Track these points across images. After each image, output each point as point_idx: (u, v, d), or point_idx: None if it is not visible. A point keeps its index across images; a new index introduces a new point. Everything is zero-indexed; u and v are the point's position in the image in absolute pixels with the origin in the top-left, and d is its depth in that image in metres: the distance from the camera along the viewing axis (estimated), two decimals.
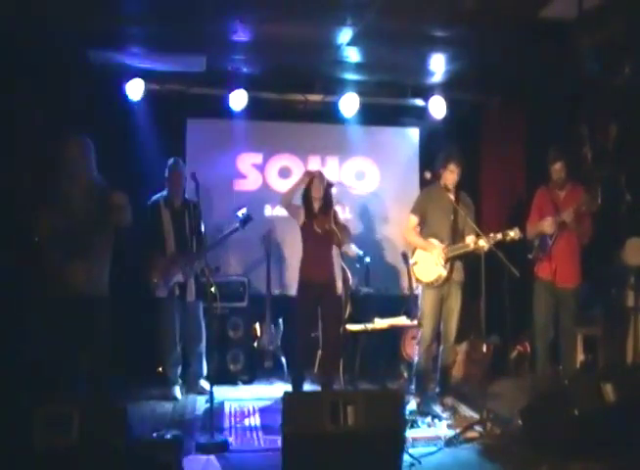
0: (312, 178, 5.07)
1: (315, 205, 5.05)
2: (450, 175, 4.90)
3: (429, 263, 4.91)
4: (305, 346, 5.16)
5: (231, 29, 4.87)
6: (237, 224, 5.31)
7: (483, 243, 4.58)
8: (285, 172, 6.60)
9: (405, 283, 6.20)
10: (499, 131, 6.81)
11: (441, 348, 5.07)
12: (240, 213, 5.33)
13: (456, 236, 4.92)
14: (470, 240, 4.81)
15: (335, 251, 5.03)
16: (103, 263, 4.36)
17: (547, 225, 4.97)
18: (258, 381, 5.82)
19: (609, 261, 5.53)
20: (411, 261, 5.08)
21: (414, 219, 5.05)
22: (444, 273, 4.85)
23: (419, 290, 5.12)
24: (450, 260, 4.86)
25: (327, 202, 5.03)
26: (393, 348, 6.01)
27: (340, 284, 5.06)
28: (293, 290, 6.37)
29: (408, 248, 5.42)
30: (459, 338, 5.29)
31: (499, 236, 4.58)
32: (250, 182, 6.55)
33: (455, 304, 4.95)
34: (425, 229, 5.03)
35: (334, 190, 5.13)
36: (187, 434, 4.21)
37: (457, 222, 4.94)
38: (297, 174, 6.58)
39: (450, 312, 4.96)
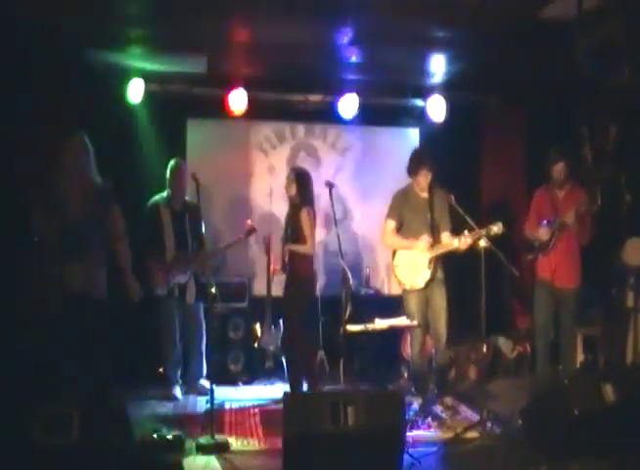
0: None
1: (291, 203, 5.14)
2: (423, 179, 4.94)
3: (411, 265, 4.91)
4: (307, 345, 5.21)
5: (231, 29, 4.87)
6: (241, 235, 5.33)
7: (463, 241, 4.59)
8: (285, 172, 6.59)
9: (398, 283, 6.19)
10: (499, 131, 6.82)
11: (435, 348, 5.07)
12: (245, 226, 5.34)
13: (435, 234, 4.93)
14: (445, 238, 4.82)
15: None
16: (100, 264, 4.36)
17: (542, 233, 4.99)
18: (259, 381, 5.81)
19: (609, 261, 5.53)
20: (393, 264, 5.08)
21: (391, 224, 5.05)
22: (428, 275, 4.85)
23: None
24: (433, 260, 4.86)
25: (300, 200, 5.04)
26: (393, 348, 6.00)
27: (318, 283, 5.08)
28: None
29: (388, 251, 5.39)
30: (459, 338, 5.29)
31: (483, 232, 4.57)
32: (250, 182, 6.55)
33: (441, 302, 4.95)
34: (403, 232, 5.03)
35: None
36: (187, 434, 4.21)
37: (434, 220, 4.95)
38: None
39: (437, 312, 4.96)
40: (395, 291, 6.52)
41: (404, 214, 5.03)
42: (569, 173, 5.04)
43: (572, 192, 5.07)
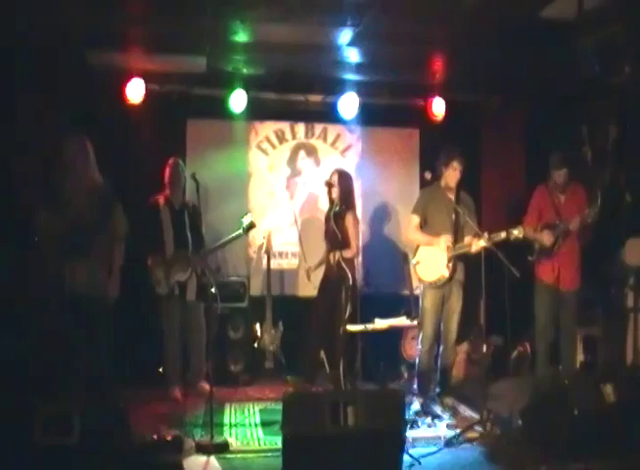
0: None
1: (331, 206, 5.12)
2: (453, 173, 4.90)
3: (431, 263, 4.90)
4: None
5: (231, 30, 4.87)
6: (240, 231, 5.32)
7: (484, 243, 4.57)
8: (285, 173, 6.60)
9: (405, 283, 6.20)
10: (499, 131, 6.81)
11: (442, 348, 5.07)
12: (244, 220, 5.33)
13: (457, 236, 4.92)
14: (468, 241, 4.81)
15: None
16: (103, 264, 4.36)
17: (546, 239, 4.98)
18: (259, 381, 5.81)
19: (609, 262, 5.53)
20: (413, 261, 5.08)
21: (416, 219, 5.04)
22: (447, 273, 4.84)
23: (419, 290, 5.12)
24: (453, 260, 4.86)
25: (344, 204, 5.06)
26: (393, 348, 6.01)
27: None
28: (292, 290, 6.42)
29: (410, 248, 5.41)
30: (459, 338, 5.28)
31: (503, 235, 4.55)
32: (250, 183, 6.55)
33: (456, 303, 4.95)
34: (426, 229, 5.02)
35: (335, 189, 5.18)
36: (187, 434, 4.21)
37: (458, 222, 4.94)
38: (296, 174, 6.61)
39: (451, 312, 4.96)
40: (395, 291, 6.55)
41: (429, 211, 5.01)
42: (570, 177, 5.04)
43: (575, 194, 5.06)
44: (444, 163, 4.92)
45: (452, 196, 4.91)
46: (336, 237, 5.08)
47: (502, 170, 6.82)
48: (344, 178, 5.17)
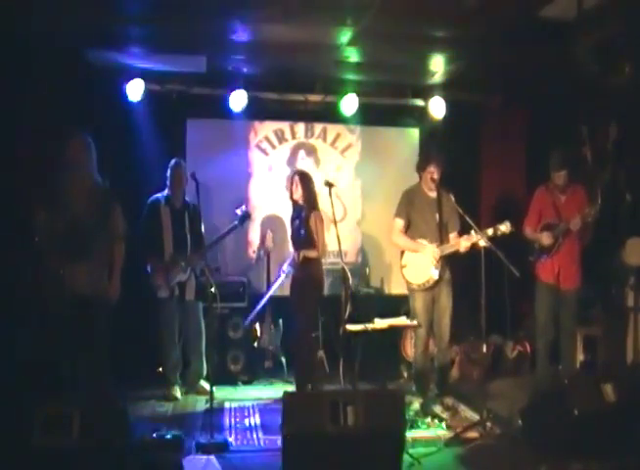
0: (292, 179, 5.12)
1: (294, 207, 5.10)
2: (430, 176, 4.91)
3: (419, 265, 4.90)
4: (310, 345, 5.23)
5: (231, 29, 4.88)
6: (235, 222, 5.30)
7: (471, 242, 4.58)
8: (285, 172, 6.60)
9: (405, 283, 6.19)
10: (499, 131, 6.82)
11: (437, 348, 5.07)
12: (238, 211, 5.32)
13: (443, 234, 4.92)
14: (454, 240, 4.82)
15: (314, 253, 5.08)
16: (103, 264, 4.36)
17: (545, 239, 5.00)
18: (258, 381, 5.82)
19: (609, 261, 5.53)
20: (401, 264, 5.07)
21: (400, 222, 5.03)
22: (436, 275, 4.84)
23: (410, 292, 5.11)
24: (441, 260, 4.86)
25: (307, 204, 5.04)
26: (393, 348, 6.00)
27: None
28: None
29: (397, 250, 5.40)
30: (459, 338, 5.29)
31: (490, 231, 4.55)
32: (250, 182, 6.55)
33: (447, 302, 4.95)
34: (411, 231, 5.02)
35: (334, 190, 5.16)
36: (187, 434, 4.21)
37: (442, 220, 4.94)
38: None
39: (443, 312, 4.96)
40: (395, 290, 6.55)
41: (412, 213, 5.01)
42: (570, 177, 5.04)
43: (575, 195, 5.06)
44: (422, 166, 4.95)
45: (433, 194, 4.92)
46: (300, 237, 5.07)
47: (502, 170, 6.82)
48: (306, 179, 5.14)
